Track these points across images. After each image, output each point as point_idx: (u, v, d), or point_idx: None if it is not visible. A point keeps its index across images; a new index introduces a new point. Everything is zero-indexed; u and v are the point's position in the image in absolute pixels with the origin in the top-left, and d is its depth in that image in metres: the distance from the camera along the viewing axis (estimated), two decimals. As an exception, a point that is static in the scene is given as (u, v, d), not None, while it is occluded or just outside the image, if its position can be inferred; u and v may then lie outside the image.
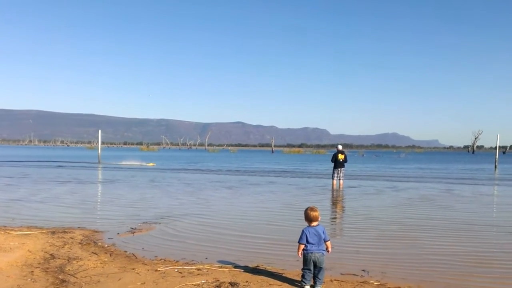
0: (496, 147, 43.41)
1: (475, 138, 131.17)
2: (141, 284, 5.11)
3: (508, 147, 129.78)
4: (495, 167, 39.59)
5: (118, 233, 8.37)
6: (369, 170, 33.99)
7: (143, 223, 9.54)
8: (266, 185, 19.92)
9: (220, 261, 6.27)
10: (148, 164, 36.64)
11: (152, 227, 9.06)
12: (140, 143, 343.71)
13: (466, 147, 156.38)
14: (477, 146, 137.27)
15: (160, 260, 6.33)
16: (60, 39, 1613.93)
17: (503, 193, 18.17)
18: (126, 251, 6.88)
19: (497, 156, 41.61)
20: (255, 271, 5.76)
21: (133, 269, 5.75)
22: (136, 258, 6.46)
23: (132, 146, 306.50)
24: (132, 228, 8.88)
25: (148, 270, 5.70)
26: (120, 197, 14.35)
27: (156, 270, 5.66)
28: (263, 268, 5.90)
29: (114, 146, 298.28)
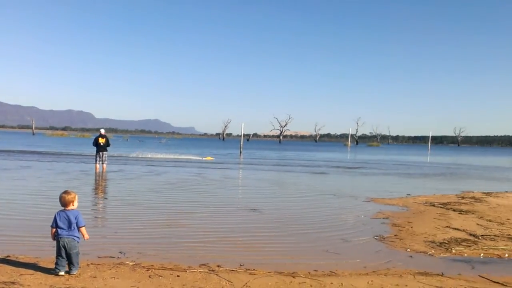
0: (241, 135, 49.18)
1: (225, 126, 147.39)
2: None
3: (251, 135, 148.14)
4: (240, 152, 44.92)
5: None
6: (133, 155, 34.01)
7: None
8: (18, 170, 17.99)
9: (-41, 256, 5.61)
10: (206, 158, 31.79)
11: None
12: None
13: (217, 134, 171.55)
14: (227, 134, 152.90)
15: None
16: None
17: (247, 176, 20.94)
18: None
19: (241, 143, 47.21)
20: (5, 261, 5.40)
21: None
22: None
23: None
24: None
25: None
26: None
27: None
28: (14, 259, 5.56)
29: None
